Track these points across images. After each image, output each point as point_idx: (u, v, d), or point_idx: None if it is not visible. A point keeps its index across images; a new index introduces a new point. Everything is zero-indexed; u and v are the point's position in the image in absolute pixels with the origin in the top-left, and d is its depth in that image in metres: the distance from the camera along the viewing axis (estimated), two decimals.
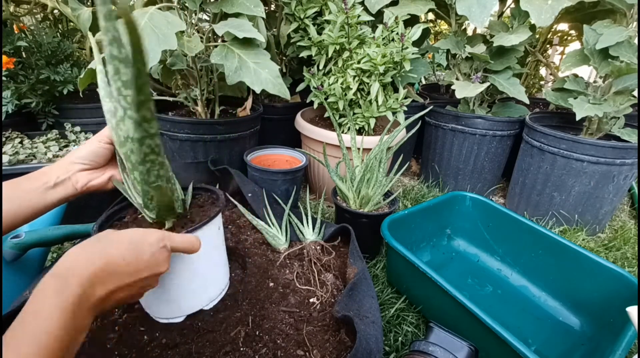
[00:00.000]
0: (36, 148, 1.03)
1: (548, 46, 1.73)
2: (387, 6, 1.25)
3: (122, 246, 0.38)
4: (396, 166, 1.01)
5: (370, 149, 1.04)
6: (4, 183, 0.47)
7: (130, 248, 0.38)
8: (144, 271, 0.38)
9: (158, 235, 0.41)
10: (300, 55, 1.28)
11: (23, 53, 1.20)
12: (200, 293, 0.58)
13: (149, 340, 0.55)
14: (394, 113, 1.21)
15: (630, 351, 0.77)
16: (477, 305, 0.62)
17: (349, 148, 1.08)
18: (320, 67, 1.23)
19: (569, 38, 1.74)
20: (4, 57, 1.06)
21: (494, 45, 1.19)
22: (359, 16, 1.12)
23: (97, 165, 0.54)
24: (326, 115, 1.31)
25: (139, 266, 0.38)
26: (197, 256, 0.49)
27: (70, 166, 0.52)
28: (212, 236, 0.55)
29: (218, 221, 0.57)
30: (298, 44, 1.27)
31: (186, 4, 0.97)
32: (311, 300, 0.66)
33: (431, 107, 1.32)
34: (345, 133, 1.20)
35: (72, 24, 1.29)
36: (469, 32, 1.57)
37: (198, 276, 0.55)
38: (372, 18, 1.17)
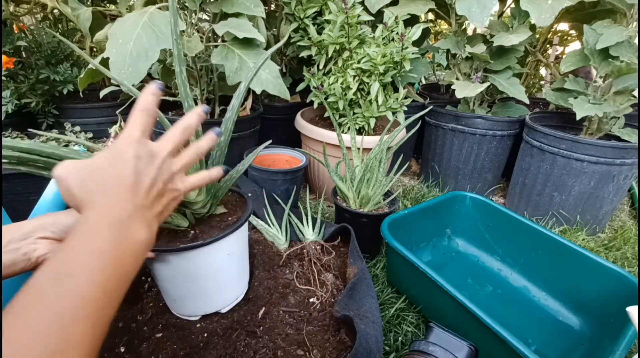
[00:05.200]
0: None
1: (548, 45, 1.73)
2: (387, 6, 1.24)
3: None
4: (396, 166, 1.01)
5: (370, 149, 1.04)
6: None
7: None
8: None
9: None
10: (300, 55, 1.27)
11: (23, 53, 1.20)
12: (223, 293, 0.59)
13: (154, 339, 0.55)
14: (394, 113, 1.21)
15: (630, 351, 0.77)
16: (477, 305, 0.62)
17: (349, 148, 1.08)
18: (320, 67, 1.23)
19: (569, 38, 1.74)
20: (4, 57, 1.06)
21: (494, 45, 1.19)
22: (359, 16, 1.11)
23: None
24: (326, 115, 1.31)
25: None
26: (227, 255, 0.54)
27: (31, 230, 0.41)
28: (239, 239, 0.58)
29: (245, 228, 0.60)
30: (298, 44, 1.26)
31: (186, 4, 0.97)
32: (311, 300, 0.66)
33: (431, 107, 1.31)
34: (345, 133, 1.20)
35: (72, 23, 1.29)
36: (469, 32, 1.57)
37: (225, 276, 0.57)
38: (372, 18, 1.17)
